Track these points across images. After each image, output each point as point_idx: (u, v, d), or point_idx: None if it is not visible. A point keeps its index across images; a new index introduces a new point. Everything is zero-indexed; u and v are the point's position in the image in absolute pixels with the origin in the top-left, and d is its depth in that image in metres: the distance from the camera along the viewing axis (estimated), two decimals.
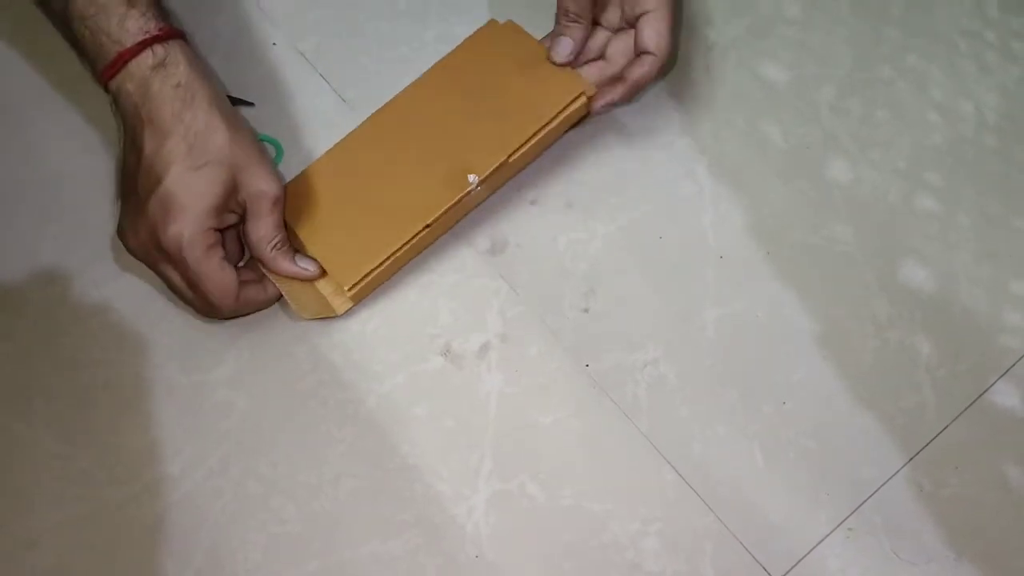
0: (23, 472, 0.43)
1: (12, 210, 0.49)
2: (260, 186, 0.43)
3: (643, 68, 0.47)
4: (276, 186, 0.43)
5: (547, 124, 0.47)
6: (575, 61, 0.48)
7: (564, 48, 0.47)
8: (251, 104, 0.52)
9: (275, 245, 0.44)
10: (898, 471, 0.45)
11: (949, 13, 0.57)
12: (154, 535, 0.42)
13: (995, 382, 0.47)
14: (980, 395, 0.46)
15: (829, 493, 0.44)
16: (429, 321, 0.47)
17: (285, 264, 0.44)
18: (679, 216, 0.50)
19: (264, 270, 0.46)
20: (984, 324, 0.48)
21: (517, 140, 0.46)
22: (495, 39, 0.50)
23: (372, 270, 0.45)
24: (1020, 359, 0.47)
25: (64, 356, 0.46)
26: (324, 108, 0.52)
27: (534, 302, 0.48)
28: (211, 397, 0.45)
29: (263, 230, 0.44)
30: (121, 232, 0.44)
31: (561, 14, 0.48)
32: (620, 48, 0.49)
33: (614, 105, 0.48)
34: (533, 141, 0.47)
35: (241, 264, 0.47)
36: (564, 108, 0.47)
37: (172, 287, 0.44)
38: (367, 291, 0.47)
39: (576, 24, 0.47)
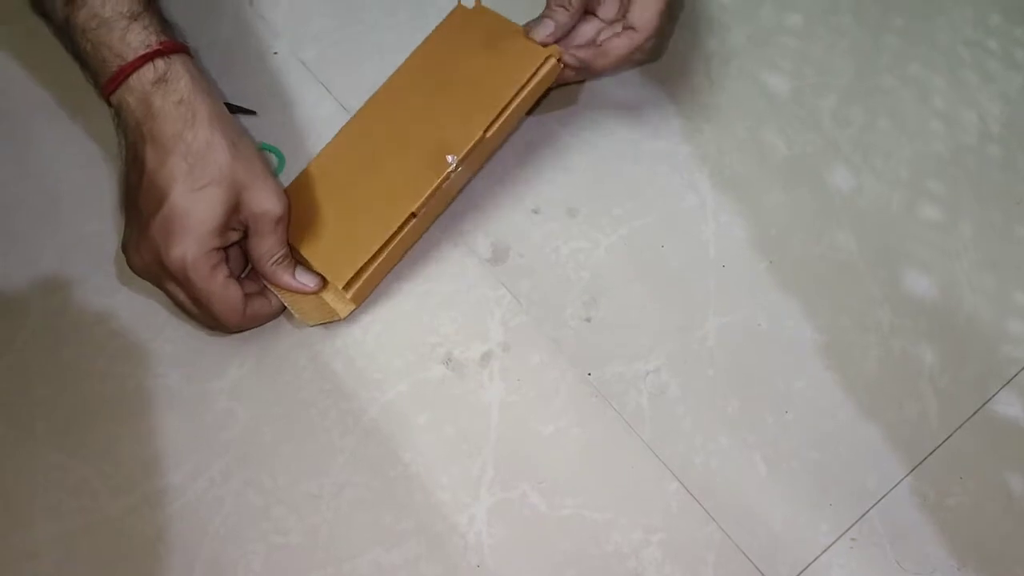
0: (23, 482, 0.43)
1: (14, 220, 0.49)
2: (264, 205, 0.42)
3: (620, 40, 0.46)
4: (280, 205, 0.43)
5: (519, 92, 0.47)
6: (559, 45, 0.47)
7: (544, 29, 0.46)
8: (253, 113, 0.52)
9: (276, 260, 0.44)
10: (901, 480, 0.45)
11: (951, 22, 0.57)
12: (155, 546, 0.42)
13: (998, 392, 0.47)
14: (983, 405, 0.46)
15: (832, 503, 0.44)
16: (431, 330, 0.47)
17: (286, 278, 0.44)
18: (681, 225, 0.50)
19: (266, 282, 0.46)
20: (987, 334, 0.48)
21: (491, 113, 0.46)
22: (466, 22, 0.50)
23: (365, 265, 0.45)
24: (1023, 369, 0.47)
25: (65, 365, 0.46)
26: (325, 117, 0.52)
27: (536, 311, 0.48)
28: (212, 407, 0.45)
29: (265, 247, 0.44)
30: (125, 251, 0.43)
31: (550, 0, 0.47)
32: (610, 39, 0.48)
33: (585, 72, 0.47)
34: (508, 112, 0.47)
35: (244, 275, 0.46)
36: (534, 73, 0.47)
37: (178, 304, 0.44)
38: (367, 290, 0.47)
39: (562, 9, 0.46)
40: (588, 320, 0.48)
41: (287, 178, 0.50)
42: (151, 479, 0.43)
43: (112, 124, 0.44)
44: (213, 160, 0.41)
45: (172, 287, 0.43)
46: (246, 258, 0.46)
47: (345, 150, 0.48)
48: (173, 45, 0.42)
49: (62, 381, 0.45)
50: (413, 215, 0.46)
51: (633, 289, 0.48)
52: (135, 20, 0.41)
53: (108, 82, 0.41)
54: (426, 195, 0.45)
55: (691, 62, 0.55)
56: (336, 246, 0.45)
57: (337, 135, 0.49)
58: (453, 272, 0.48)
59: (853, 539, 0.43)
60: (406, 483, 0.44)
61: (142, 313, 0.47)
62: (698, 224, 0.50)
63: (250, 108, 0.52)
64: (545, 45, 0.47)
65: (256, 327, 0.46)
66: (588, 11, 0.48)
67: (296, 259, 0.46)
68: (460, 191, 0.49)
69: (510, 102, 0.47)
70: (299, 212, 0.46)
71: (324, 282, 0.46)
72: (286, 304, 0.46)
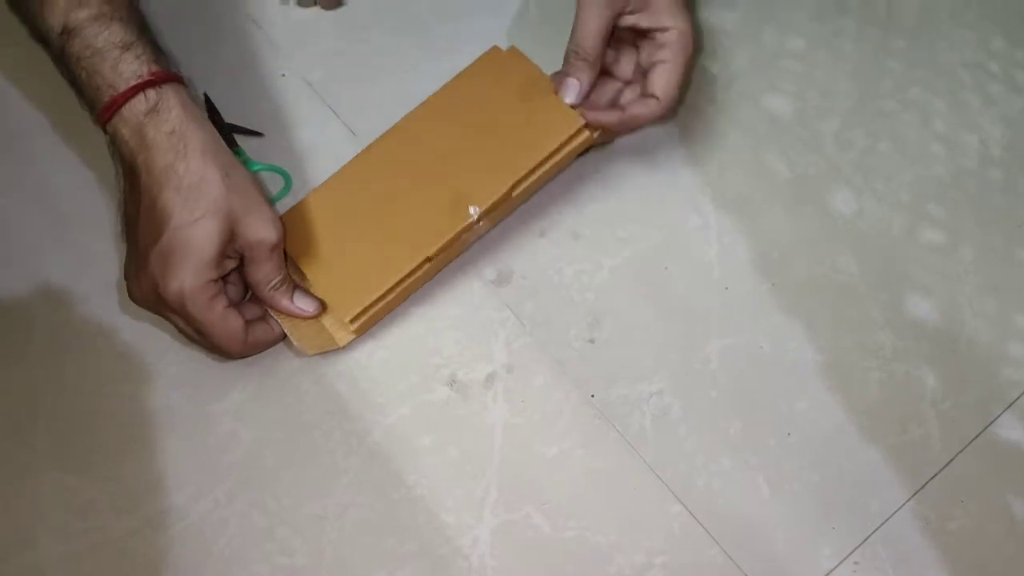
0: (28, 502, 0.44)
1: (21, 240, 0.49)
2: (258, 234, 0.42)
3: (644, 107, 0.47)
4: (274, 232, 0.43)
5: (549, 157, 0.47)
6: (583, 105, 0.48)
7: (571, 90, 0.47)
8: (260, 134, 0.52)
9: (274, 286, 0.44)
10: (904, 504, 0.45)
11: (952, 45, 0.58)
12: (159, 567, 0.42)
13: (1000, 415, 0.47)
14: (985, 428, 0.46)
15: (835, 526, 0.44)
16: (435, 351, 0.47)
17: (284, 303, 0.45)
18: (684, 248, 0.50)
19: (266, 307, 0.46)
20: (989, 357, 0.48)
21: (518, 172, 0.47)
22: (498, 66, 0.50)
23: (373, 303, 0.45)
24: None
25: (70, 385, 0.46)
26: (332, 139, 0.53)
27: (540, 333, 0.48)
28: (216, 428, 0.45)
29: (261, 274, 0.44)
30: (127, 281, 0.44)
31: (570, 54, 0.47)
32: (633, 98, 0.49)
33: (607, 131, 0.48)
34: (536, 175, 0.47)
35: (247, 299, 0.47)
36: (567, 142, 0.47)
37: (181, 332, 0.44)
38: (370, 323, 0.47)
39: (584, 63, 0.47)
40: (591, 341, 0.48)
41: (293, 199, 0.50)
42: (155, 500, 0.44)
43: (109, 152, 0.44)
44: (206, 192, 0.41)
45: (173, 317, 0.43)
46: (243, 286, 0.46)
47: (361, 178, 0.48)
48: (164, 75, 0.42)
49: (67, 401, 0.46)
50: (428, 259, 0.46)
51: (636, 311, 0.49)
52: (127, 50, 0.41)
53: (102, 112, 0.42)
54: (444, 242, 0.45)
55: (694, 85, 0.56)
56: (345, 278, 0.46)
57: (353, 160, 0.49)
58: (458, 294, 0.49)
59: (856, 563, 0.43)
60: (410, 505, 0.44)
61: (146, 334, 0.47)
62: (701, 246, 0.50)
63: (257, 130, 0.52)
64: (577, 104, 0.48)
65: (259, 352, 0.46)
66: (604, 70, 0.49)
67: (299, 283, 0.46)
68: (476, 240, 0.49)
69: (539, 164, 0.47)
70: (309, 235, 0.47)
71: (323, 307, 0.46)
72: (286, 331, 0.46)
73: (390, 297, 0.46)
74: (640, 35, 0.48)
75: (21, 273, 0.49)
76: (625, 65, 0.50)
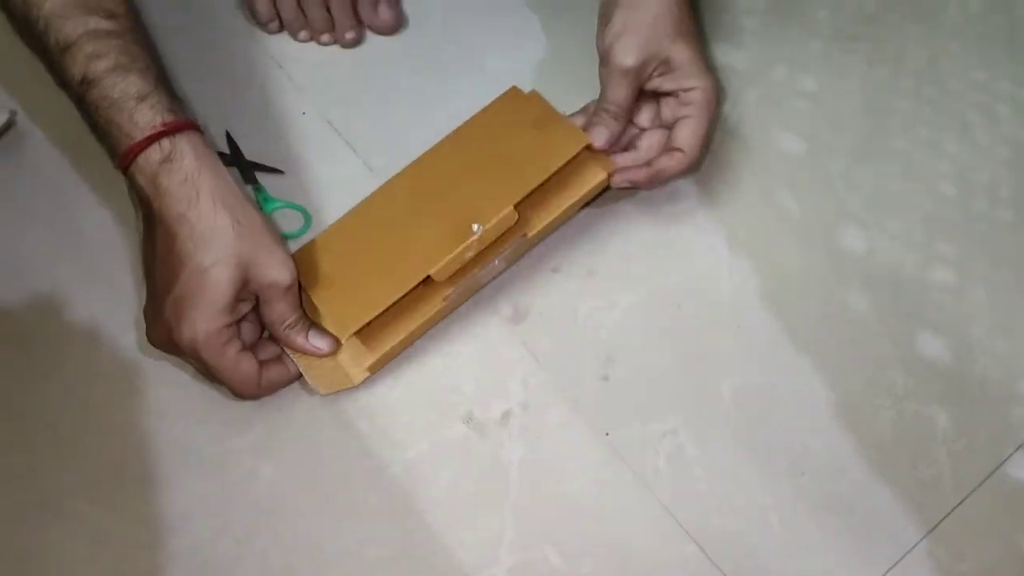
0: (51, 537, 0.44)
1: (49, 275, 0.50)
2: (271, 277, 0.43)
3: (671, 161, 0.49)
4: (287, 274, 0.44)
5: (567, 201, 0.48)
6: (609, 152, 0.50)
7: (600, 137, 0.49)
8: (280, 172, 0.53)
9: (289, 325, 0.45)
10: (917, 544, 0.45)
11: (960, 85, 0.59)
12: None
13: (1012, 455, 0.47)
14: (997, 468, 0.47)
15: (849, 566, 0.44)
16: (452, 388, 0.48)
17: (299, 341, 0.45)
18: (698, 286, 0.51)
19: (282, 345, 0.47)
20: (1000, 396, 0.48)
21: (524, 189, 0.47)
22: (516, 105, 0.51)
23: (381, 327, 0.46)
24: None
25: (94, 420, 0.47)
26: (351, 176, 0.54)
27: (555, 370, 0.49)
28: (237, 465, 0.46)
29: (276, 314, 0.45)
30: (146, 323, 0.45)
31: (602, 108, 0.49)
32: (650, 143, 0.50)
33: (633, 185, 0.50)
34: (551, 218, 0.48)
35: (262, 336, 0.47)
36: (584, 186, 0.48)
37: (199, 372, 0.45)
38: (385, 361, 0.47)
39: (616, 121, 0.49)
40: (606, 379, 0.49)
41: (313, 235, 0.51)
42: (177, 536, 0.44)
43: (129, 195, 0.45)
44: (217, 239, 0.42)
45: (190, 360, 0.45)
46: (262, 323, 0.47)
47: (374, 214, 0.49)
48: (178, 124, 0.43)
49: (91, 436, 0.46)
50: (433, 282, 0.46)
51: (650, 348, 0.49)
52: (143, 101, 0.42)
53: (120, 159, 0.43)
54: (446, 260, 0.46)
55: None
56: (349, 302, 0.46)
57: (368, 197, 0.50)
58: (475, 331, 0.49)
59: None
60: (428, 542, 0.44)
61: (168, 370, 0.48)
62: (714, 284, 0.51)
63: (278, 167, 0.53)
64: (594, 147, 0.49)
65: (275, 392, 0.47)
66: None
67: (313, 320, 0.47)
68: (492, 280, 0.50)
69: (557, 209, 0.48)
70: (321, 269, 0.47)
71: (338, 344, 0.46)
72: (302, 370, 0.46)
73: (403, 335, 0.47)
74: (663, 93, 0.50)
75: (46, 309, 0.49)
76: (645, 115, 0.51)
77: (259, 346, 0.47)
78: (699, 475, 0.46)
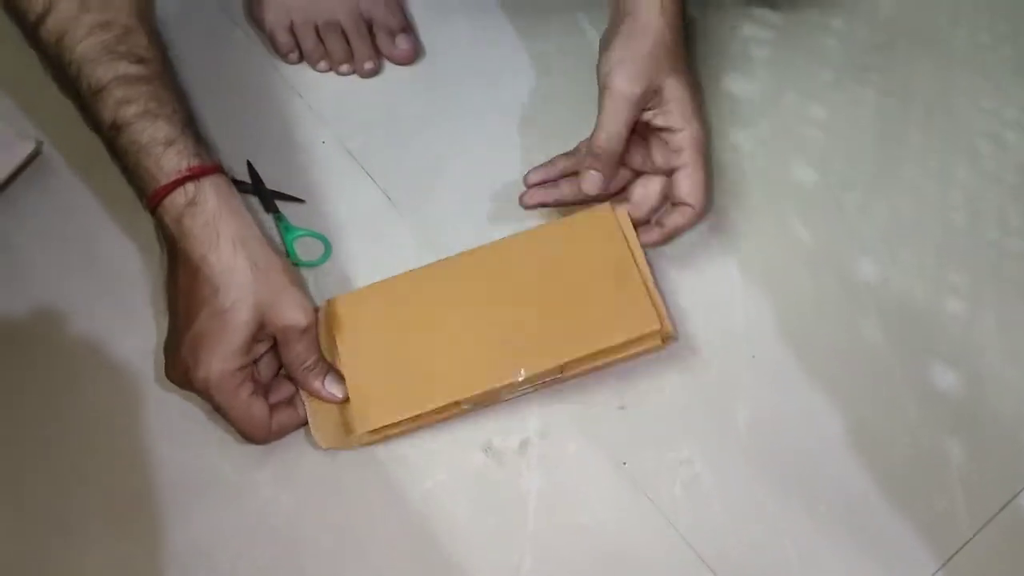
0: (72, 563, 0.45)
1: (72, 306, 0.51)
2: (288, 319, 0.44)
3: (682, 218, 0.49)
4: (303, 317, 0.44)
5: (609, 357, 0.47)
6: (605, 198, 0.50)
7: (594, 182, 0.48)
8: (301, 201, 0.54)
9: (307, 367, 0.46)
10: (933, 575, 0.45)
11: (971, 115, 0.59)
12: None
13: None
14: (1011, 500, 0.47)
15: None
16: (472, 418, 0.49)
17: (316, 384, 0.46)
18: (712, 315, 0.52)
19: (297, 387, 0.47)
20: (1013, 427, 0.49)
21: (576, 353, 0.46)
22: (597, 229, 0.49)
23: (393, 424, 0.46)
24: None
25: (116, 449, 0.47)
26: (370, 205, 0.54)
27: (572, 398, 0.49)
28: (257, 495, 0.46)
29: (292, 356, 0.45)
30: (165, 358, 0.46)
31: (593, 149, 0.49)
32: (645, 191, 0.51)
33: (649, 247, 0.50)
34: (589, 367, 0.47)
35: (278, 375, 0.48)
36: (633, 341, 0.46)
37: (214, 411, 0.46)
38: (386, 438, 0.47)
39: (606, 161, 0.49)
40: (622, 408, 0.49)
41: (333, 263, 0.52)
42: (197, 565, 0.45)
43: (156, 234, 0.46)
44: (235, 281, 0.43)
45: (205, 399, 0.45)
46: (278, 362, 0.47)
47: (422, 291, 0.48)
48: (203, 168, 0.44)
49: (113, 464, 0.47)
50: (458, 403, 0.46)
51: (665, 376, 0.50)
52: (170, 146, 0.44)
53: (147, 201, 0.44)
54: (480, 392, 0.45)
55: (718, 153, 0.57)
56: (376, 389, 0.46)
57: (427, 266, 0.49)
58: None
59: None
60: (446, 572, 0.45)
61: (189, 400, 0.48)
62: (728, 314, 0.52)
63: (298, 196, 0.54)
64: (596, 199, 0.49)
65: (284, 436, 0.47)
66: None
67: (332, 365, 0.47)
68: (513, 398, 0.49)
69: (600, 354, 0.46)
70: (359, 323, 0.47)
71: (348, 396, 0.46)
72: (308, 418, 0.47)
73: (414, 425, 0.47)
74: (653, 131, 0.50)
75: (71, 338, 0.50)
76: (634, 157, 0.51)
77: (274, 386, 0.47)
78: (716, 504, 0.47)
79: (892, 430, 0.49)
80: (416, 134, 0.57)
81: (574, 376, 0.48)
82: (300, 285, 0.46)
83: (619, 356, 0.48)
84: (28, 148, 0.54)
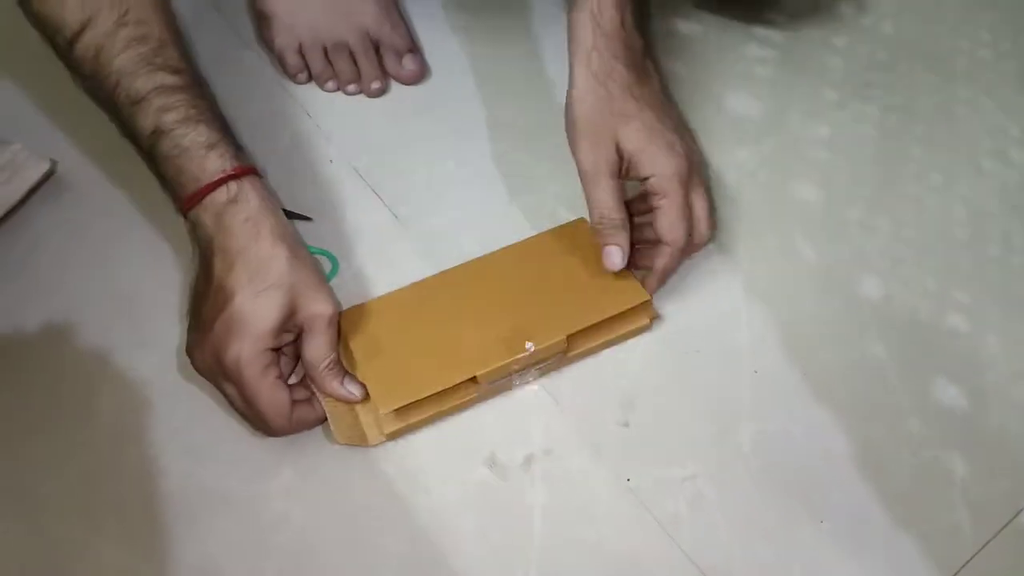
0: None
1: (86, 321, 0.52)
2: (316, 308, 0.46)
3: (663, 259, 0.50)
4: (331, 307, 0.46)
5: (610, 327, 0.50)
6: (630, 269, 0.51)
7: (616, 257, 0.49)
8: (309, 219, 0.55)
9: (327, 365, 0.47)
10: None
11: (972, 132, 0.60)
12: None
13: None
14: (1015, 516, 0.47)
15: None
16: (476, 432, 0.49)
17: (334, 384, 0.47)
18: (716, 332, 0.52)
19: (313, 387, 0.48)
20: (1016, 442, 0.49)
21: (579, 325, 0.49)
22: (581, 235, 0.52)
23: (411, 404, 0.47)
24: None
25: (130, 464, 0.48)
26: (377, 223, 0.55)
27: (576, 415, 0.50)
28: (268, 508, 0.47)
29: (316, 349, 0.46)
30: (189, 350, 0.47)
31: (598, 221, 0.49)
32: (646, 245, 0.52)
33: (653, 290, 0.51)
34: (593, 341, 0.50)
35: (294, 381, 0.49)
36: (628, 314, 0.50)
37: (231, 403, 0.47)
38: (404, 432, 0.48)
39: (616, 228, 0.49)
40: (626, 425, 0.49)
41: (340, 280, 0.53)
42: None
43: (187, 236, 0.47)
44: (273, 268, 0.45)
45: (227, 386, 0.46)
46: (296, 361, 0.49)
47: (430, 295, 0.50)
48: (244, 169, 0.46)
49: (123, 476, 0.47)
50: (474, 379, 0.47)
51: (669, 394, 0.50)
52: (212, 149, 0.46)
53: (187, 200, 0.46)
54: (493, 367, 0.47)
55: (722, 172, 0.58)
56: (392, 376, 0.47)
57: (427, 279, 0.51)
58: None
59: None
60: None
61: (202, 414, 0.49)
62: (732, 331, 0.52)
63: (307, 214, 0.55)
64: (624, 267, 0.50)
65: (300, 432, 0.48)
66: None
67: (347, 371, 0.48)
68: (520, 385, 0.51)
69: (599, 331, 0.50)
70: (369, 331, 0.49)
71: (366, 395, 0.48)
72: (327, 413, 0.48)
73: (429, 415, 0.48)
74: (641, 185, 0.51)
75: (83, 352, 0.51)
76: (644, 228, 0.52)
77: (291, 389, 0.48)
78: (720, 521, 0.47)
79: (896, 446, 0.49)
80: (422, 153, 0.58)
81: (578, 356, 0.50)
82: (326, 282, 0.48)
83: (616, 335, 0.51)
84: (43, 167, 0.55)
